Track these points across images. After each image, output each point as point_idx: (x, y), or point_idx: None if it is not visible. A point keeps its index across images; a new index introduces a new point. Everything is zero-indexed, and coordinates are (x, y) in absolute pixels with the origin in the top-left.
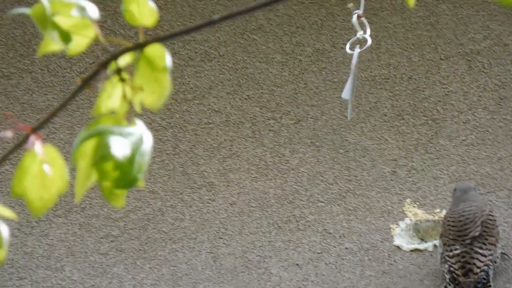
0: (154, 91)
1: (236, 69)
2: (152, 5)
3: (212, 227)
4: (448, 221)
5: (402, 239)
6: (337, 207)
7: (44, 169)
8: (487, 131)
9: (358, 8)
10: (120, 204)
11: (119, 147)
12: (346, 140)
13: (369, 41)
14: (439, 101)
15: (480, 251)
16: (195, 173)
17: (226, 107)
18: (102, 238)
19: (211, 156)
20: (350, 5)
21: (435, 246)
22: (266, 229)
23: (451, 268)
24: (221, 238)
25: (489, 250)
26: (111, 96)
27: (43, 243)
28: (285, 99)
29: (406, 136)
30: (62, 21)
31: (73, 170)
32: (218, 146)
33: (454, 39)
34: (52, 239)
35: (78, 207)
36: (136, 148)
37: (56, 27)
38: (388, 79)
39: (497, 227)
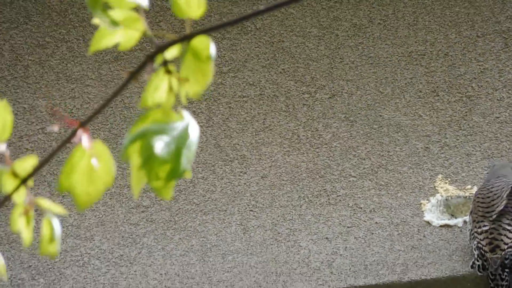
0: (198, 81)
1: (272, 42)
2: None
3: (243, 200)
4: (478, 197)
5: (433, 214)
6: (369, 182)
7: (92, 164)
8: None
9: None
10: (169, 196)
11: (163, 147)
12: (380, 115)
13: None
14: (474, 78)
15: (509, 227)
16: (228, 146)
17: (261, 81)
18: (132, 208)
19: (244, 129)
20: None
21: (465, 222)
22: (297, 203)
23: (479, 245)
24: (251, 210)
25: None
26: (158, 89)
27: (74, 212)
28: (320, 74)
29: (440, 113)
30: (112, 15)
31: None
32: (252, 120)
33: (491, 16)
34: None
35: None
36: (181, 142)
37: (105, 12)
38: (424, 55)
39: None
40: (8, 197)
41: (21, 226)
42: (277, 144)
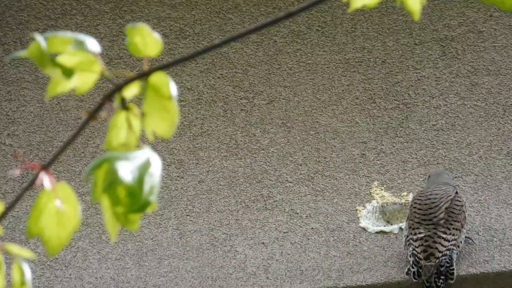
0: (164, 119)
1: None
2: (157, 35)
3: (180, 204)
4: (415, 203)
5: (368, 221)
6: (305, 187)
7: (60, 207)
8: (458, 116)
9: None
10: (135, 228)
11: (127, 171)
12: (317, 121)
13: None
14: (412, 85)
15: (444, 235)
16: (165, 150)
17: (198, 86)
18: None
19: (181, 133)
20: None
21: (400, 229)
22: (234, 208)
23: (414, 251)
24: (188, 215)
25: (453, 235)
26: (120, 128)
27: (8, 215)
28: (258, 79)
29: (376, 120)
30: (66, 59)
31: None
32: (189, 124)
33: (429, 24)
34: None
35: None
36: (144, 170)
37: (56, 64)
38: (362, 62)
39: (463, 212)
40: None
41: None
42: (215, 149)
